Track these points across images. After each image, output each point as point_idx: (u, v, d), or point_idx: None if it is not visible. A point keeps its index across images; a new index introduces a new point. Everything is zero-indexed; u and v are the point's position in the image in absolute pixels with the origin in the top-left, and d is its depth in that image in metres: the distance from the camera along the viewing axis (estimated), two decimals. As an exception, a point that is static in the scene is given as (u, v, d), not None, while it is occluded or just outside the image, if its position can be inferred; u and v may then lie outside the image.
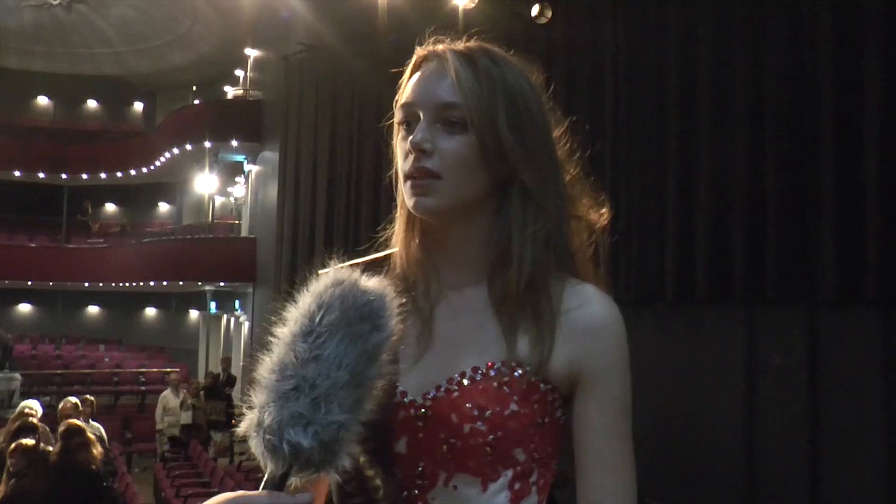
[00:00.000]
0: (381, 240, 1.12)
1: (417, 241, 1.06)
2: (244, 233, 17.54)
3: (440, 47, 1.03)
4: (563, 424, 1.00)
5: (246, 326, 16.19)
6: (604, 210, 1.11)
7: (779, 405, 5.83)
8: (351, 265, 1.08)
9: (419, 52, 1.05)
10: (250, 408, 0.86)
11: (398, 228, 1.08)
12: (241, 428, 0.86)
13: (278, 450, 0.82)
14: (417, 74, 1.03)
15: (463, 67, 0.99)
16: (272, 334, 0.88)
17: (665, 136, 6.64)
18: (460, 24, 7.27)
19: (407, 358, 1.00)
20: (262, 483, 0.85)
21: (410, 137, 0.99)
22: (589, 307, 1.01)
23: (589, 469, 0.99)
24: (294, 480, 0.85)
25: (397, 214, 1.08)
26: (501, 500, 0.97)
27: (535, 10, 7.43)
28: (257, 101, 16.61)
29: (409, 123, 1.01)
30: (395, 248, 1.09)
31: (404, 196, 1.02)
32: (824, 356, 5.57)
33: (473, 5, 7.71)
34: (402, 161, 1.02)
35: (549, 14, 7.46)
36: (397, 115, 1.04)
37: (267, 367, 0.86)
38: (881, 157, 5.13)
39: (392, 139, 1.06)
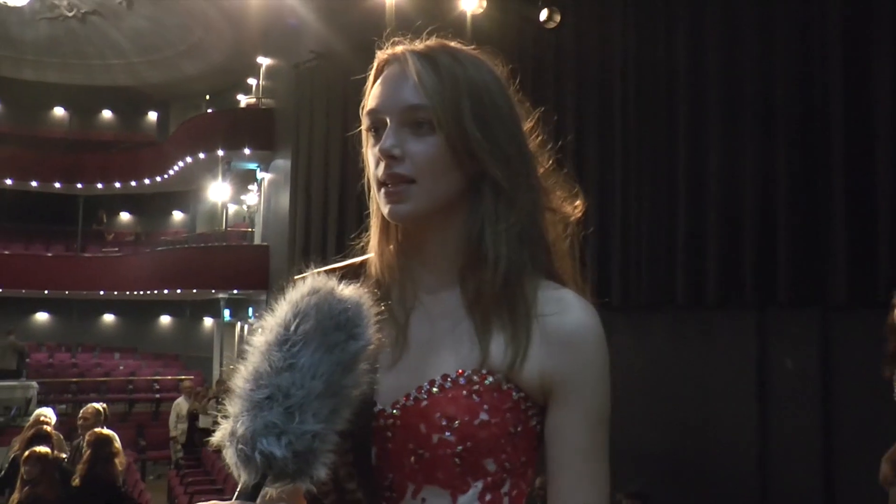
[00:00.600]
0: (356, 248, 1.11)
1: (392, 246, 1.04)
2: (257, 240, 17.60)
3: (399, 49, 1.02)
4: (538, 434, 0.97)
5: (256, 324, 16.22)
6: (578, 202, 1.08)
7: (792, 410, 5.79)
8: (327, 270, 1.07)
9: (380, 56, 1.03)
10: (225, 417, 0.85)
11: (373, 236, 1.06)
12: (216, 438, 0.85)
13: (251, 460, 0.81)
14: (381, 79, 1.01)
15: (424, 67, 0.97)
16: (249, 343, 0.87)
17: (675, 139, 6.61)
18: (468, 30, 7.28)
19: (381, 366, 0.98)
20: (236, 493, 0.84)
21: (379, 144, 0.97)
22: (565, 314, 0.96)
23: (560, 479, 0.95)
24: (268, 491, 0.84)
25: (371, 222, 1.07)
26: None
27: (543, 14, 7.43)
28: (269, 109, 16.68)
29: (377, 129, 0.99)
30: (370, 252, 1.07)
31: (379, 204, 1.00)
32: (837, 360, 5.53)
33: (482, 11, 7.72)
34: (373, 168, 1.00)
35: (557, 18, 7.45)
36: (364, 123, 1.03)
37: (242, 376, 0.85)
38: (893, 160, 5.10)
39: (361, 147, 1.05)
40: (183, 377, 16.63)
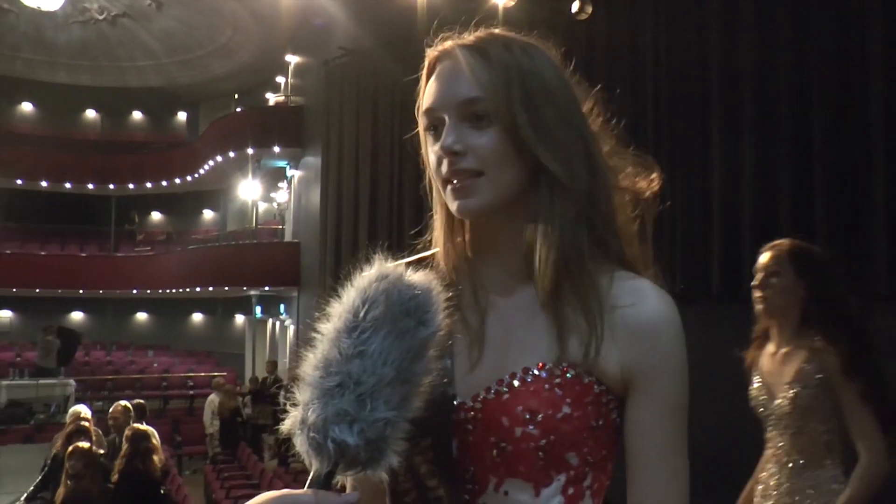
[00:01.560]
0: (419, 248, 1.10)
1: (460, 240, 1.03)
2: (288, 237, 17.72)
3: (448, 44, 1.01)
4: (618, 426, 0.97)
5: (291, 330, 16.36)
6: (654, 175, 1.07)
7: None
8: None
9: (430, 54, 1.02)
10: (294, 405, 0.84)
11: (438, 233, 1.05)
12: (286, 426, 0.85)
13: (323, 448, 0.81)
14: (433, 77, 1.00)
15: (475, 59, 0.96)
16: (316, 331, 0.87)
17: (708, 131, 6.54)
18: (499, 23, 7.25)
19: (457, 361, 0.98)
20: (308, 481, 0.83)
21: (440, 142, 0.97)
22: (642, 305, 0.96)
23: (641, 472, 0.95)
24: (340, 479, 0.83)
25: (435, 220, 1.06)
26: None
27: (575, 6, 7.38)
28: (298, 106, 16.78)
29: (436, 128, 0.99)
30: (436, 249, 1.06)
31: (446, 201, 0.99)
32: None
33: (513, 3, 7.69)
34: (435, 167, 0.99)
35: (589, 10, 7.39)
36: (422, 123, 1.02)
37: (311, 363, 0.85)
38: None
39: (420, 149, 1.04)
40: (215, 374, 16.82)
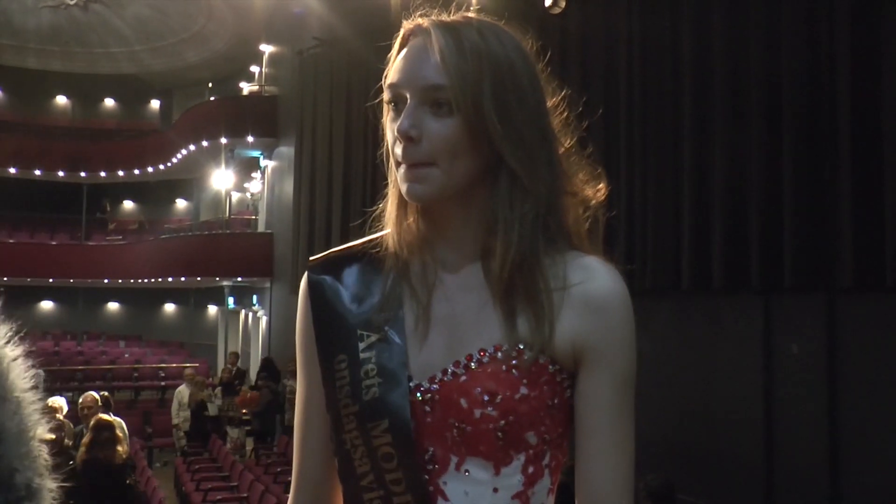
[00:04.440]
0: (373, 216, 1.10)
1: (412, 220, 1.03)
2: (261, 228, 17.64)
3: (425, 22, 0.99)
4: (572, 404, 0.98)
5: (264, 321, 16.29)
6: (600, 185, 1.08)
7: (797, 395, 5.80)
8: (347, 248, 1.08)
9: (405, 26, 1.02)
10: None
11: (390, 207, 1.05)
12: None
13: None
14: (404, 52, 1.00)
15: (448, 44, 0.95)
16: None
17: (680, 124, 6.59)
18: (477, 12, 7.24)
19: (409, 341, 0.99)
20: None
21: (397, 124, 0.96)
22: (593, 281, 0.98)
23: (592, 442, 0.97)
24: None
25: (389, 192, 1.06)
26: (515, 484, 0.96)
27: (548, 0, 7.40)
28: (272, 96, 16.68)
29: (397, 104, 0.98)
30: (387, 225, 1.06)
31: (398, 181, 0.99)
32: (843, 345, 5.52)
33: (486, -4, 7.69)
34: (391, 142, 1.00)
35: (562, 4, 7.41)
36: (385, 95, 1.01)
37: None
38: (900, 143, 5.07)
39: (382, 117, 1.03)
40: (187, 365, 16.70)
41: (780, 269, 5.67)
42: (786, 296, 5.88)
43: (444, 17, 1.00)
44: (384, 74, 1.01)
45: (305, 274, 1.08)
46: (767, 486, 5.87)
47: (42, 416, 0.89)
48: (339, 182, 11.87)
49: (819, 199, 5.52)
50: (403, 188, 0.97)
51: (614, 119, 7.09)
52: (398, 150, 0.97)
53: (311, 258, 1.10)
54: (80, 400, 6.92)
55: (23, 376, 0.88)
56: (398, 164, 0.98)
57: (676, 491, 5.10)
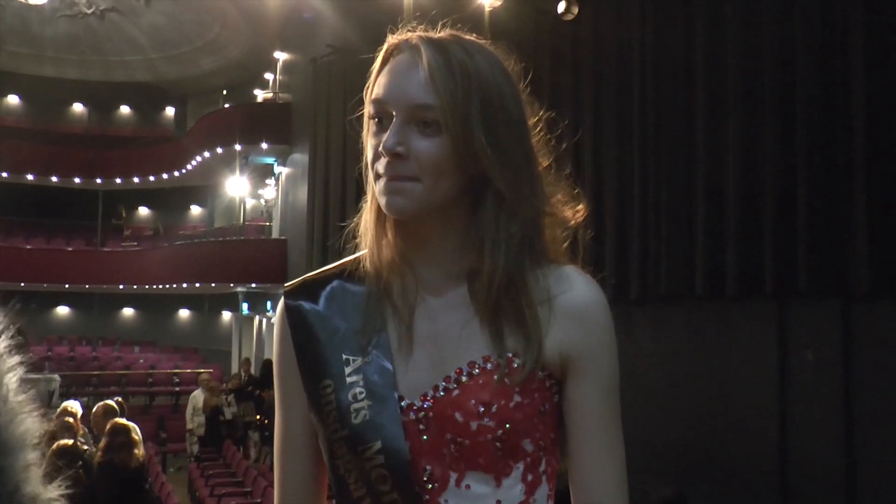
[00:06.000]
0: (346, 231, 1.08)
1: (390, 237, 1.01)
2: (275, 234, 17.69)
3: (413, 37, 0.98)
4: (560, 407, 0.99)
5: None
6: (579, 207, 1.07)
7: (813, 401, 5.75)
8: (323, 272, 1.07)
9: (391, 40, 1.00)
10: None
11: (368, 223, 1.03)
12: None
13: None
14: (389, 66, 0.98)
15: (437, 62, 0.94)
16: None
17: (693, 130, 6.58)
18: (486, 22, 7.26)
19: (396, 362, 0.99)
20: None
21: (383, 140, 0.94)
22: (572, 291, 0.99)
23: (584, 448, 0.98)
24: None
25: (366, 208, 1.04)
26: (517, 495, 0.96)
27: (561, 6, 7.40)
28: (286, 103, 16.74)
29: (381, 120, 0.97)
30: (364, 240, 1.04)
31: (377, 195, 0.98)
32: (859, 351, 5.48)
33: (499, 3, 7.70)
34: (372, 157, 0.98)
35: (575, 11, 7.42)
36: (368, 110, 1.00)
37: None
38: (915, 149, 5.04)
39: (362, 130, 1.02)
40: (202, 370, 16.75)
41: (795, 275, 5.64)
42: (800, 302, 5.84)
43: (432, 34, 0.99)
44: (366, 87, 1.00)
45: (281, 300, 1.07)
46: (782, 495, 5.83)
47: (39, 426, 0.88)
48: (352, 188, 11.90)
49: (834, 204, 5.49)
50: (383, 201, 0.96)
51: (627, 124, 7.09)
52: (380, 165, 0.96)
53: (285, 285, 1.08)
54: (93, 411, 6.88)
55: (19, 386, 0.87)
56: (377, 178, 0.97)
57: (689, 501, 5.08)
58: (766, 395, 6.00)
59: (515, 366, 0.95)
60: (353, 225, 1.07)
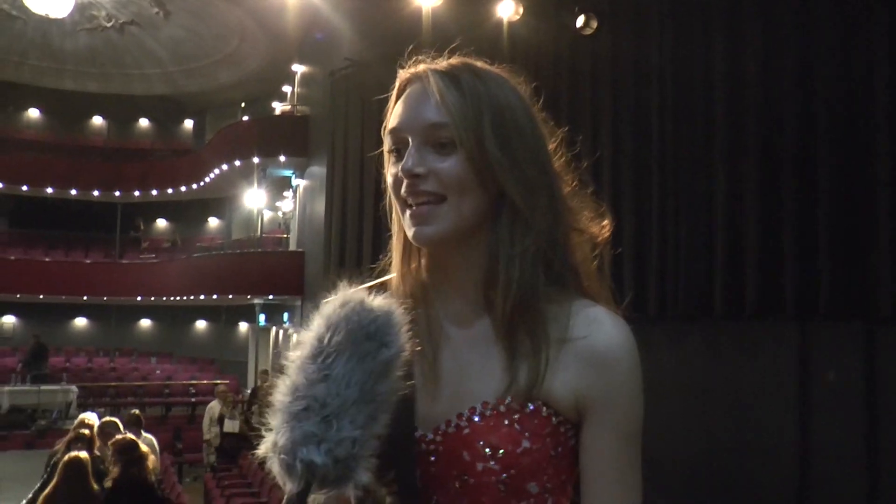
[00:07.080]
0: (378, 269, 1.10)
1: (414, 267, 1.04)
2: (292, 246, 17.74)
3: (421, 68, 1.01)
4: (577, 451, 0.98)
5: (294, 339, 16.35)
6: (605, 222, 1.08)
7: (834, 425, 5.66)
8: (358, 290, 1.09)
9: (401, 75, 1.03)
10: (269, 430, 0.88)
11: (395, 258, 1.06)
12: (260, 450, 0.88)
13: (293, 469, 0.83)
14: (402, 98, 1.01)
15: (446, 86, 0.97)
16: (288, 358, 0.90)
17: (712, 147, 6.52)
18: (504, 38, 7.27)
19: (418, 394, 1.00)
20: (283, 502, 0.86)
21: (401, 164, 0.97)
22: (596, 335, 0.96)
23: (598, 495, 0.96)
24: (315, 497, 0.86)
25: (392, 244, 1.06)
26: None
27: (580, 21, 7.39)
28: (304, 116, 16.82)
29: (399, 150, 0.99)
30: (393, 272, 1.07)
31: (404, 226, 1.00)
32: (882, 374, 5.39)
33: (518, 18, 7.71)
34: (394, 189, 1.00)
35: (594, 25, 7.40)
36: (386, 143, 1.02)
37: (281, 390, 0.88)
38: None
39: (383, 168, 1.04)
40: (218, 381, 16.80)
41: (816, 296, 5.56)
42: (822, 323, 5.75)
43: (440, 63, 1.02)
44: (383, 125, 1.02)
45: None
46: (803, 517, 5.73)
47: None
48: (370, 200, 11.92)
49: (856, 224, 5.42)
50: (411, 232, 0.98)
51: (646, 140, 7.04)
52: (403, 189, 0.98)
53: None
54: (100, 424, 6.72)
55: None
56: (404, 208, 0.98)
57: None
58: (785, 416, 5.91)
59: (528, 410, 0.95)
60: (385, 262, 1.10)
